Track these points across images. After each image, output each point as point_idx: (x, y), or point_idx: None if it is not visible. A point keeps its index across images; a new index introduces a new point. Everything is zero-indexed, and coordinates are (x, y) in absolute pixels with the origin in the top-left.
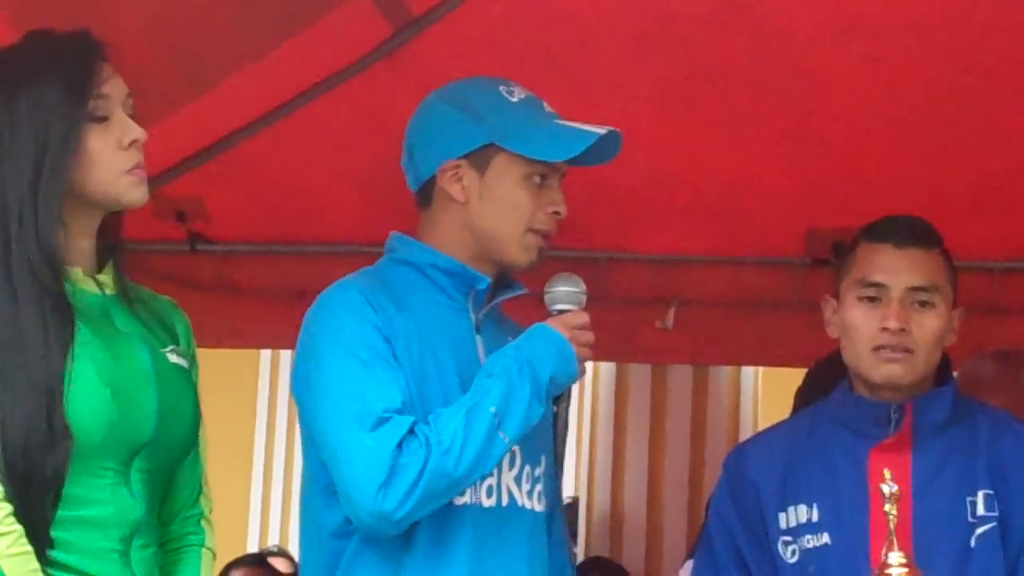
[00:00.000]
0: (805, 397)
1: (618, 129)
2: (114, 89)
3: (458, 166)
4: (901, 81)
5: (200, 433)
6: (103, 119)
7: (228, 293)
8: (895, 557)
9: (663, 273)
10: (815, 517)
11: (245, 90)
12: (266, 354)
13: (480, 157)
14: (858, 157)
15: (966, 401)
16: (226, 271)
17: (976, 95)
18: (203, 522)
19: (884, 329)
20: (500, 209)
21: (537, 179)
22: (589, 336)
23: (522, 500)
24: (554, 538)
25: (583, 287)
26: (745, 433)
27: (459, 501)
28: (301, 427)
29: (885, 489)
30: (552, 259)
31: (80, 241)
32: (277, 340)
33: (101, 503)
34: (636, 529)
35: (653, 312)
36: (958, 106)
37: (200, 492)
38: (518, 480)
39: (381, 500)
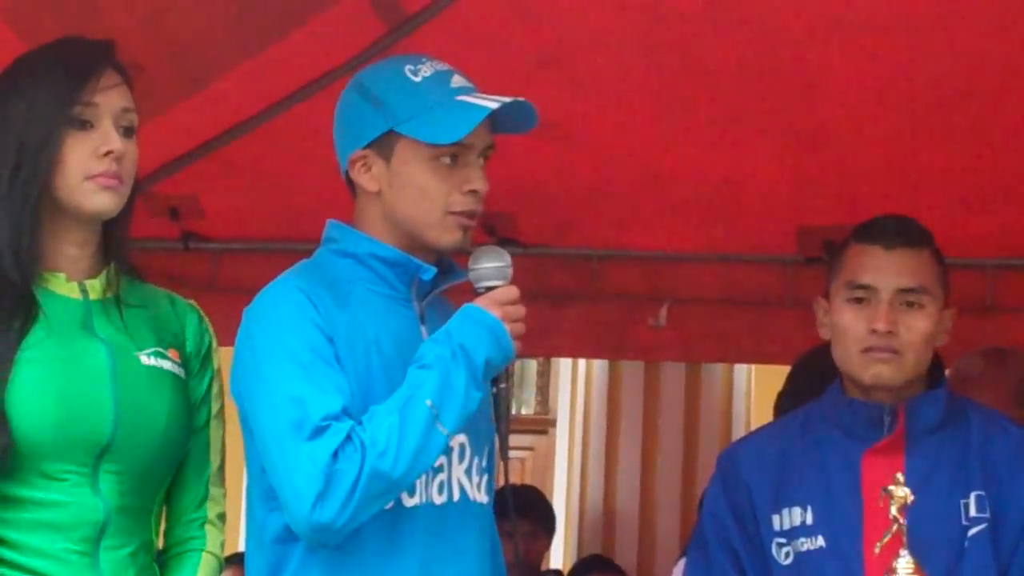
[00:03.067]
0: (790, 401)
1: (522, 98)
2: (108, 99)
3: (365, 156)
4: (893, 79)
5: (211, 433)
6: (86, 126)
7: (221, 291)
8: (903, 562)
9: (656, 271)
10: (809, 520)
11: (240, 88)
12: None
13: (384, 145)
14: (850, 155)
15: (959, 401)
16: (219, 269)
17: (968, 94)
18: (208, 526)
19: (873, 331)
20: (410, 196)
21: (447, 159)
22: (521, 310)
23: (473, 493)
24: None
25: (508, 260)
26: (738, 430)
27: (409, 502)
28: (243, 430)
29: (899, 492)
30: (546, 257)
31: (66, 248)
32: None
33: (59, 506)
34: (629, 526)
35: (646, 310)
36: (950, 105)
37: (206, 495)
38: (468, 473)
39: (319, 512)
